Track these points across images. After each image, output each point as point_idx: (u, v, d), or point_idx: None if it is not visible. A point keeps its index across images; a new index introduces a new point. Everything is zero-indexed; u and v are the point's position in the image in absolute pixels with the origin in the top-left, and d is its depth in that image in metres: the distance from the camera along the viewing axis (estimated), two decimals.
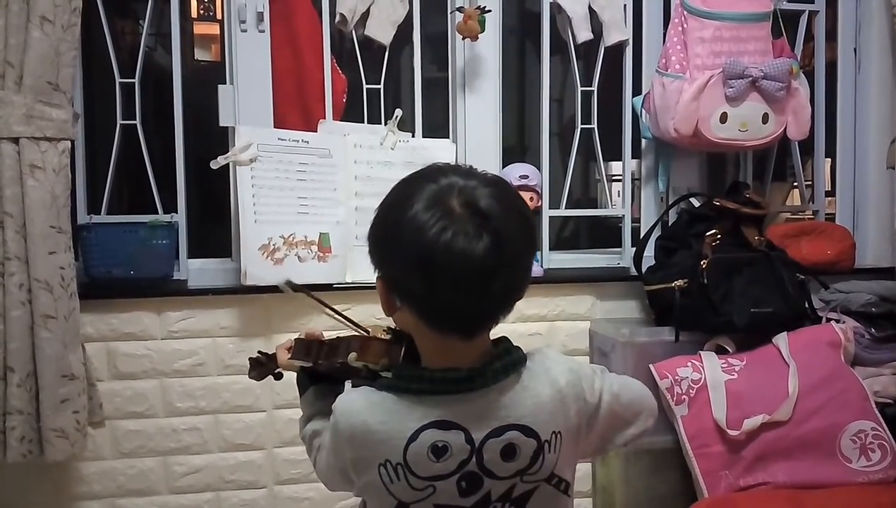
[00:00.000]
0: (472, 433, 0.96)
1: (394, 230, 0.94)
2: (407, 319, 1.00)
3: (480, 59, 2.23)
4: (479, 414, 0.97)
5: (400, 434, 0.96)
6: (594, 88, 2.32)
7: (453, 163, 1.00)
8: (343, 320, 1.20)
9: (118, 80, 2.09)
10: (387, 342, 1.07)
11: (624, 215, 2.35)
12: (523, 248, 0.97)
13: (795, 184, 2.61)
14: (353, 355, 1.06)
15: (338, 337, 1.14)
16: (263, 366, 1.36)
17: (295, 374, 1.27)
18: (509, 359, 1.00)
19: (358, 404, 0.99)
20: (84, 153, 2.06)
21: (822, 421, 1.94)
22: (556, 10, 2.25)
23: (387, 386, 0.99)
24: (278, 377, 1.36)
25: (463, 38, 2.14)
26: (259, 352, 1.38)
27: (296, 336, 1.26)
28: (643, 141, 2.33)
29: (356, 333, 1.15)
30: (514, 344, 1.04)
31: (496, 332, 1.04)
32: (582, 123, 2.32)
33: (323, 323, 1.25)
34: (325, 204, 2.11)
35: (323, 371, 1.19)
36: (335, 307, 1.23)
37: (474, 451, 0.97)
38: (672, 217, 2.31)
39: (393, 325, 1.09)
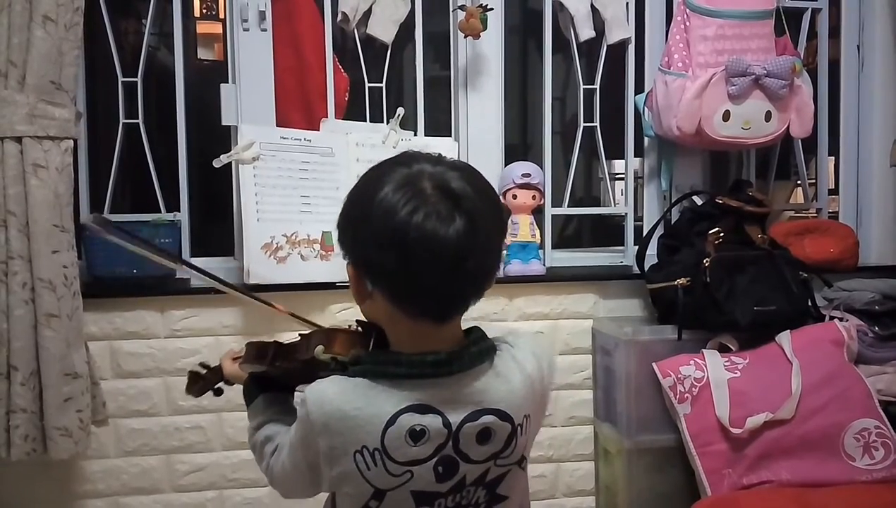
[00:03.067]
0: (449, 416, 0.97)
1: (365, 211, 0.94)
2: (378, 306, 0.99)
3: (482, 57, 2.23)
4: (454, 398, 0.97)
5: (377, 419, 0.95)
6: (596, 86, 2.32)
7: (423, 151, 1.01)
8: (295, 318, 1.21)
9: (121, 78, 2.10)
10: (354, 333, 1.05)
11: (626, 213, 2.34)
12: (495, 230, 0.98)
13: (798, 182, 2.60)
14: (320, 348, 1.04)
15: (298, 335, 1.12)
16: (204, 380, 1.31)
17: (236, 387, 1.24)
18: (483, 346, 1.01)
19: (331, 391, 0.97)
20: (87, 152, 2.07)
21: (826, 419, 1.93)
22: (559, 8, 2.25)
23: (361, 373, 0.98)
24: (218, 393, 1.32)
25: (465, 37, 2.14)
26: (200, 364, 1.32)
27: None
28: (646, 139, 2.33)
29: (317, 329, 1.13)
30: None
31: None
32: (584, 121, 2.32)
33: (323, 322, 1.24)
34: (328, 202, 2.11)
35: (276, 375, 1.16)
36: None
37: (451, 435, 0.97)
38: (675, 215, 2.31)
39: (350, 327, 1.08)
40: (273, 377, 1.18)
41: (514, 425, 1.01)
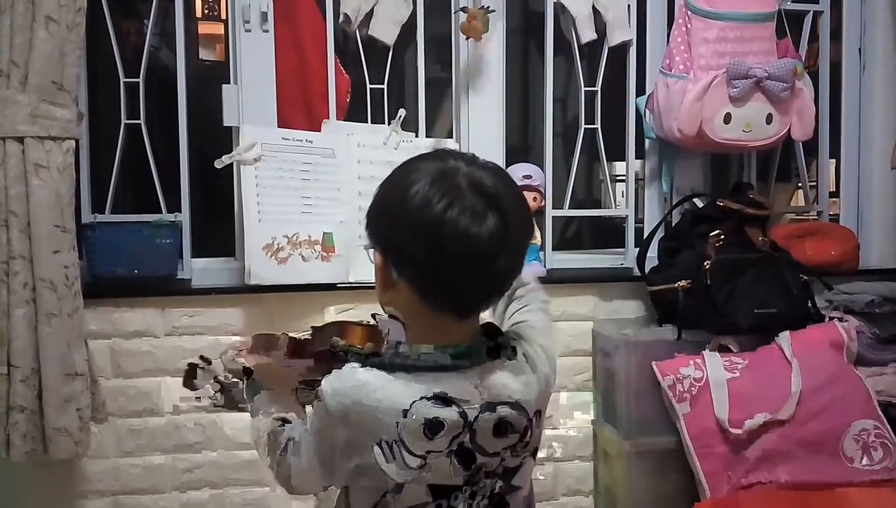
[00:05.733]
0: (466, 409, 0.97)
1: (400, 201, 0.95)
2: (401, 297, 1.00)
3: (484, 59, 2.23)
4: (471, 390, 0.98)
5: (395, 411, 0.95)
6: (598, 88, 2.32)
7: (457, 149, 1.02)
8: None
9: (122, 79, 2.10)
10: (369, 326, 1.06)
11: (627, 215, 2.34)
12: (525, 229, 1.01)
13: (799, 184, 2.60)
14: (336, 339, 1.04)
15: (313, 327, 1.12)
16: (205, 372, 1.29)
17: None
18: (502, 341, 1.03)
19: (349, 383, 0.98)
20: (88, 152, 2.07)
21: (825, 420, 1.93)
22: (560, 10, 2.25)
23: (378, 364, 0.98)
24: (217, 387, 1.29)
25: (466, 38, 2.14)
26: (200, 357, 1.30)
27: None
28: (647, 141, 2.33)
29: (329, 322, 1.13)
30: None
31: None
32: (585, 123, 2.32)
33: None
34: (329, 203, 2.11)
35: (283, 369, 1.16)
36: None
37: (467, 426, 0.97)
38: (675, 217, 2.31)
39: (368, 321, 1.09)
40: (278, 371, 1.17)
41: (529, 417, 1.02)
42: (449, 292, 0.97)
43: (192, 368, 1.32)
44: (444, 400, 0.97)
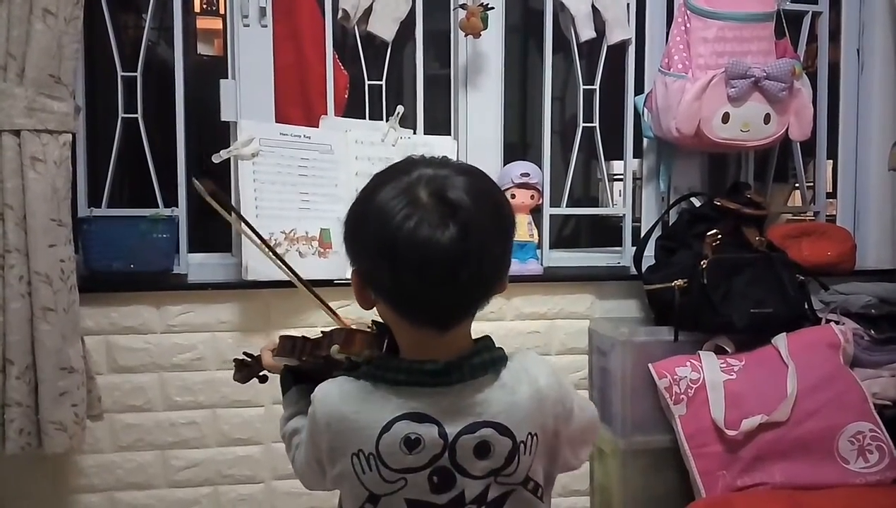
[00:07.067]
0: (446, 427, 0.95)
1: (362, 220, 0.94)
2: (384, 312, 1.00)
3: (483, 56, 2.23)
4: (453, 408, 0.96)
5: (374, 424, 0.95)
6: (596, 87, 2.32)
7: (429, 155, 1.00)
8: (323, 306, 1.22)
9: (120, 73, 2.09)
10: (370, 334, 1.06)
11: (625, 214, 2.35)
12: (493, 238, 0.95)
13: (797, 185, 2.61)
14: (335, 347, 1.04)
15: (322, 332, 1.14)
16: (249, 368, 1.35)
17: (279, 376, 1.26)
18: (488, 356, 0.99)
19: (334, 392, 0.99)
20: (85, 146, 2.06)
21: (821, 421, 1.94)
22: (559, 7, 2.25)
23: (364, 375, 0.99)
24: (263, 380, 1.35)
25: (465, 35, 2.13)
26: (244, 353, 1.37)
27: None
28: (645, 140, 2.33)
29: (339, 326, 1.15)
30: (497, 344, 1.02)
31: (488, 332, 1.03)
32: (584, 122, 2.32)
33: (322, 320, 1.25)
34: (327, 199, 2.11)
35: (306, 368, 1.19)
36: (329, 304, 1.24)
37: (447, 446, 0.95)
38: (673, 217, 2.31)
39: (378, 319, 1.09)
40: (305, 369, 1.20)
41: (516, 441, 0.97)
42: (419, 307, 0.94)
43: (240, 363, 1.37)
44: (423, 417, 0.95)
